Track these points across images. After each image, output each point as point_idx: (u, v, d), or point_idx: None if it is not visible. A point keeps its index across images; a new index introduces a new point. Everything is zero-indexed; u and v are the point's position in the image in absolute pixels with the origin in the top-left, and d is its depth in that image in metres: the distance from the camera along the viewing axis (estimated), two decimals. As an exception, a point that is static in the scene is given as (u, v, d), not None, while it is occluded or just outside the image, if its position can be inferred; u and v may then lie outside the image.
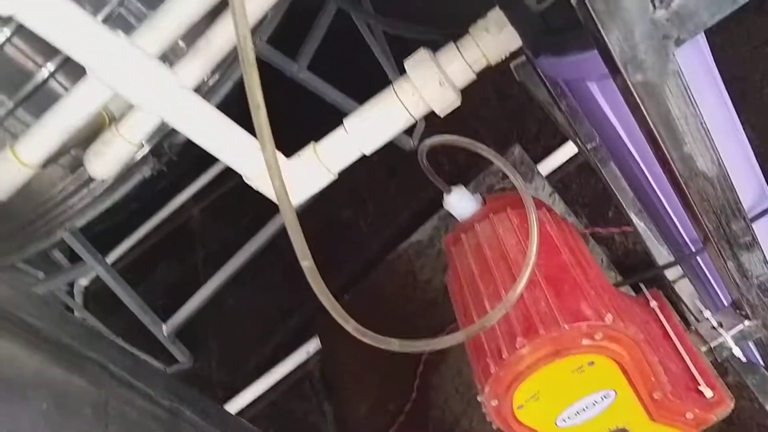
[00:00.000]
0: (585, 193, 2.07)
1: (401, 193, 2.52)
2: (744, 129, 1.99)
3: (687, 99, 0.64)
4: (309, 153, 0.83)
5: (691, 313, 1.30)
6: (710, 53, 0.83)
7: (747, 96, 1.87)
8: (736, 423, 1.49)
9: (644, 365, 0.75)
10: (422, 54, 0.80)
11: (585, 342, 0.71)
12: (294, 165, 0.83)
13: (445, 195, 0.91)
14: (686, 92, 0.64)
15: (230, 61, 2.18)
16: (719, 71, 0.86)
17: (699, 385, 0.83)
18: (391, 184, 2.59)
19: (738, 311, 0.88)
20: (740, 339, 0.88)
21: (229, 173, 2.49)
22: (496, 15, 0.79)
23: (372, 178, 2.61)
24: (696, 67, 0.81)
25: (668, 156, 0.68)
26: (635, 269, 1.84)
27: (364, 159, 0.86)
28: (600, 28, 0.57)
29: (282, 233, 2.49)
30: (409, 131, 2.36)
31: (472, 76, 0.82)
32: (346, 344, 2.15)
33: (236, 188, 2.86)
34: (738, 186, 0.88)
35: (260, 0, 0.99)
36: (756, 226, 0.88)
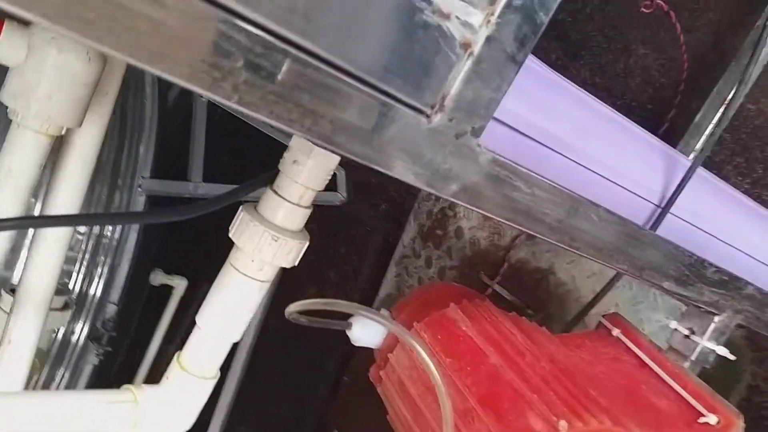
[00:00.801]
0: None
1: (352, 250, 2.41)
2: (638, 49, 1.90)
3: (518, 172, 0.53)
4: (176, 372, 0.72)
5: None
6: (543, 65, 0.73)
7: (627, 17, 1.78)
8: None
9: (627, 447, 0.64)
10: (243, 216, 0.69)
11: (549, 468, 0.60)
12: (166, 391, 0.71)
13: (347, 332, 0.80)
14: (513, 166, 0.53)
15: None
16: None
17: (700, 415, 0.72)
18: (339, 244, 2.47)
19: (701, 309, 0.77)
20: (720, 336, 0.77)
21: (187, 311, 2.37)
22: (298, 142, 0.68)
23: (320, 244, 2.50)
24: (539, 90, 0.71)
25: (534, 232, 0.57)
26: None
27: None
28: (378, 167, 0.46)
29: (260, 347, 2.38)
30: (332, 185, 2.25)
31: (306, 212, 0.71)
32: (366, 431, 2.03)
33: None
34: (642, 171, 0.78)
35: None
36: (683, 195, 0.79)
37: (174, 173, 2.11)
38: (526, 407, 0.63)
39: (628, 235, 0.63)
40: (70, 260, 1.91)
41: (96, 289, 1.95)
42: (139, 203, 2.02)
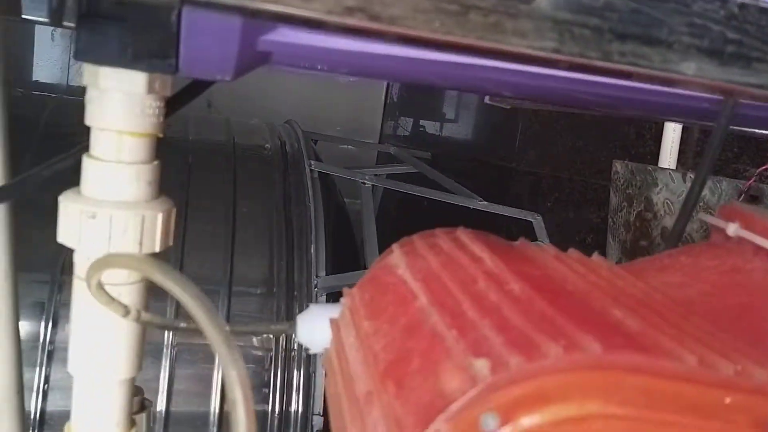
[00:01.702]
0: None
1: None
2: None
3: None
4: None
5: None
6: None
7: None
8: None
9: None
10: (60, 204, 0.49)
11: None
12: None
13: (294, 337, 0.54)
14: None
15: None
16: None
17: None
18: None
19: None
20: None
21: None
22: (86, 71, 0.48)
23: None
24: None
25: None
26: None
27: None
28: None
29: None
30: (531, 235, 1.96)
31: (139, 169, 0.49)
32: None
33: None
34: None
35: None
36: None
37: (350, 263, 2.00)
38: (442, 358, 0.33)
39: None
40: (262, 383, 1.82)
41: (297, 404, 1.83)
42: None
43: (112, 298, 0.44)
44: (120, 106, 0.47)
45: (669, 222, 1.49)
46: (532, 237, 1.94)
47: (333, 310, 0.53)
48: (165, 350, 1.71)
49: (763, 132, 1.18)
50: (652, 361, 0.30)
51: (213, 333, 0.37)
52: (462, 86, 0.63)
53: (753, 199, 1.30)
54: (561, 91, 0.54)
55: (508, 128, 2.26)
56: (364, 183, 2.13)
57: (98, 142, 0.48)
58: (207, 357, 1.71)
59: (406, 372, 0.34)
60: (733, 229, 0.48)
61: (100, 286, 0.43)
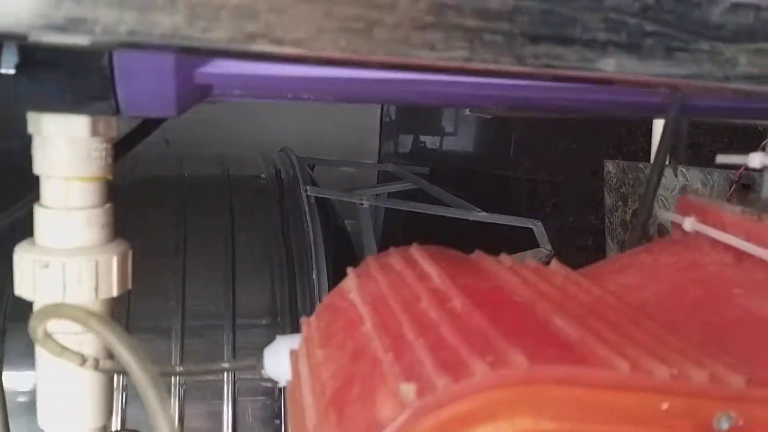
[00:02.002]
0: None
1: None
2: None
3: None
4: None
5: None
6: None
7: None
8: None
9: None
10: (15, 256, 0.49)
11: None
12: None
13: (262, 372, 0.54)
14: None
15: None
16: None
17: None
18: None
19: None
20: None
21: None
22: (30, 119, 0.48)
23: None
24: None
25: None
26: None
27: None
28: None
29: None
30: (533, 242, 1.95)
31: (89, 214, 0.48)
32: None
33: None
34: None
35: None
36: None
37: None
38: (378, 384, 0.33)
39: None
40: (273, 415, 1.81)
41: None
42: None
43: (65, 348, 0.44)
44: (65, 152, 0.47)
45: (664, 215, 1.47)
46: (534, 243, 1.93)
47: (298, 340, 0.53)
48: (173, 389, 1.70)
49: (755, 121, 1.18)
50: (582, 371, 0.29)
51: (141, 375, 0.36)
52: (407, 101, 0.63)
53: (745, 188, 1.28)
54: (510, 98, 0.54)
55: (503, 137, 2.25)
56: (362, 204, 2.13)
57: (47, 189, 0.48)
58: (216, 393, 1.69)
59: (347, 400, 0.34)
60: (689, 223, 0.47)
61: (48, 336, 0.43)
